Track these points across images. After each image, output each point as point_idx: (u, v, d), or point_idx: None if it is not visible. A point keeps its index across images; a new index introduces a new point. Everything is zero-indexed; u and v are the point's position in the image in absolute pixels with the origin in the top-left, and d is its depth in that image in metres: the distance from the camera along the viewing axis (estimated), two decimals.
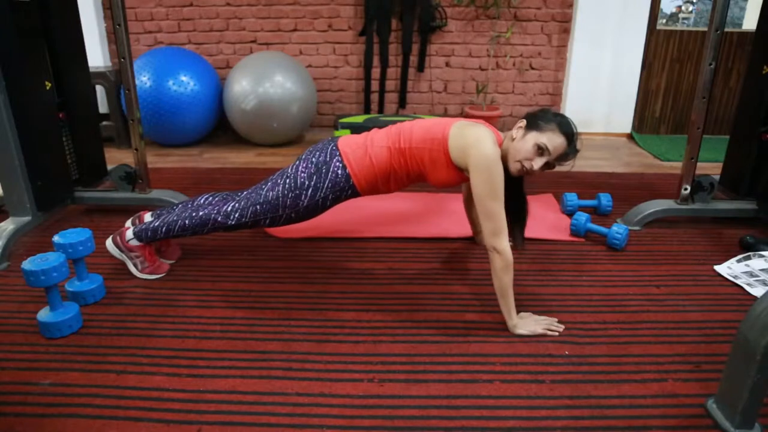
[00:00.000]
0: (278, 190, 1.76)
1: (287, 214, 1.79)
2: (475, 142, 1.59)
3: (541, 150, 1.58)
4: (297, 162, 1.79)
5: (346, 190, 1.75)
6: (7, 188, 2.14)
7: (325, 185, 1.73)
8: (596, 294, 1.85)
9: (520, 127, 1.63)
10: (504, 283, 1.56)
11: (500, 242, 1.55)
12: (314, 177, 1.72)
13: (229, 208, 1.81)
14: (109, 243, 1.93)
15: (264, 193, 1.78)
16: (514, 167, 1.63)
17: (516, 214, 1.75)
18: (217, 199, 1.98)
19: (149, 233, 1.89)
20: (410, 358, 1.50)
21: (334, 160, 1.73)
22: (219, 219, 1.82)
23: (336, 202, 1.80)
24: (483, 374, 1.43)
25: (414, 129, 1.73)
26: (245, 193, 1.87)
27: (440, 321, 1.68)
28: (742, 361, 1.18)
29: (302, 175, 1.74)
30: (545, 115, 1.61)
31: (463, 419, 1.28)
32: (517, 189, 1.73)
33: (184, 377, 1.42)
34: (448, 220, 2.44)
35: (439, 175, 1.73)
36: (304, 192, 1.73)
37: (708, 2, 3.99)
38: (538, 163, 1.60)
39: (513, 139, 1.64)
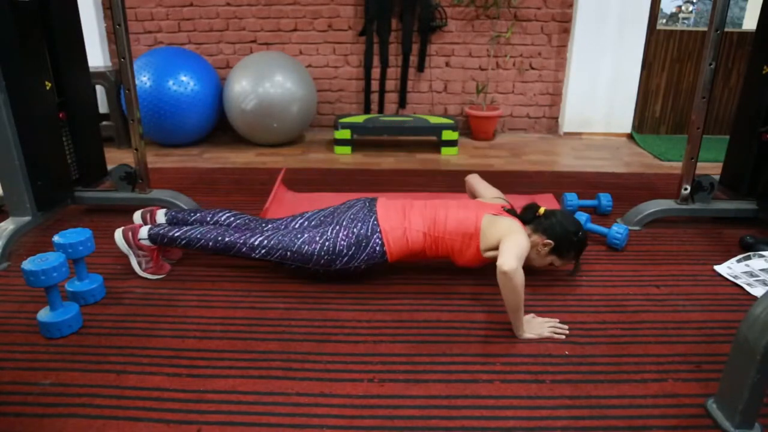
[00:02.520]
0: (315, 248, 1.80)
1: (315, 269, 1.86)
2: (509, 232, 1.73)
3: (553, 265, 1.88)
4: (337, 228, 1.83)
5: (378, 262, 1.85)
6: (7, 188, 2.14)
7: (362, 258, 1.81)
8: (596, 294, 1.85)
9: (546, 246, 1.80)
10: (522, 298, 1.57)
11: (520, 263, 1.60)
12: (353, 248, 1.80)
13: (256, 242, 1.85)
14: (118, 235, 1.92)
15: (298, 243, 1.82)
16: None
17: None
18: (239, 221, 2.01)
19: (165, 240, 1.91)
20: (410, 358, 1.50)
21: (375, 237, 1.81)
22: (244, 250, 1.86)
23: (365, 268, 1.88)
24: (483, 374, 1.43)
25: (448, 218, 1.83)
26: (272, 229, 1.93)
27: (440, 321, 1.68)
28: (742, 361, 1.18)
29: (342, 243, 1.80)
30: (568, 244, 1.81)
31: (463, 419, 1.28)
32: None
33: (184, 377, 1.42)
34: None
35: (465, 259, 1.86)
36: (340, 259, 1.81)
37: (708, 2, 3.99)
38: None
39: (538, 252, 1.82)
